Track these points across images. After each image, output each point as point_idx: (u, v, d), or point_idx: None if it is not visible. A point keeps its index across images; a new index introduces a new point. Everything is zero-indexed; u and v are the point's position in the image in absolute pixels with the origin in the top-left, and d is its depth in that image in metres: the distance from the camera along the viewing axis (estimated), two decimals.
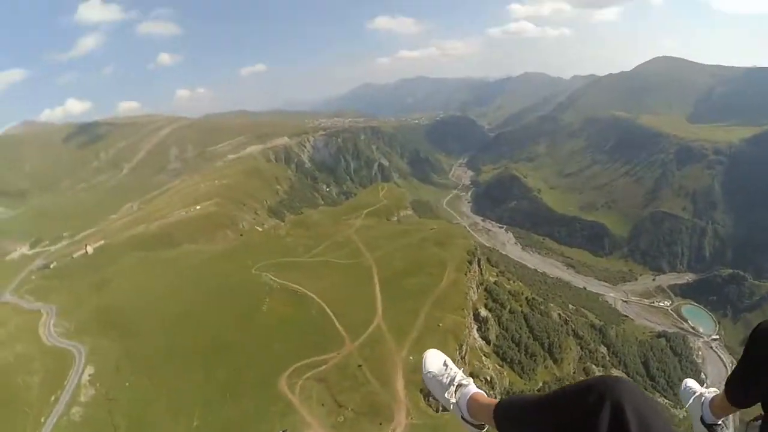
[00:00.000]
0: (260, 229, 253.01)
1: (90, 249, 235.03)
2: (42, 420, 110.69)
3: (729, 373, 4.96)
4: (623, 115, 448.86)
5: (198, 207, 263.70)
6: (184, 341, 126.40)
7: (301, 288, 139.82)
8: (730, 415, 5.74)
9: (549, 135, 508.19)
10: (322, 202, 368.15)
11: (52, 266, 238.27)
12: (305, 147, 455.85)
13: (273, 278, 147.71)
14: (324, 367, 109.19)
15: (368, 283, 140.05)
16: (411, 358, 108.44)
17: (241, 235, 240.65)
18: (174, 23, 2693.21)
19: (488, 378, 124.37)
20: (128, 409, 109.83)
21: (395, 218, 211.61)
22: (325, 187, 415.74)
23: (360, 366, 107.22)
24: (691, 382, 6.48)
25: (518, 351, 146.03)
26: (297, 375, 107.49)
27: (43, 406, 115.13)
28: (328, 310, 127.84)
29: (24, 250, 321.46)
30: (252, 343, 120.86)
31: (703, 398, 5.85)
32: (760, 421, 4.34)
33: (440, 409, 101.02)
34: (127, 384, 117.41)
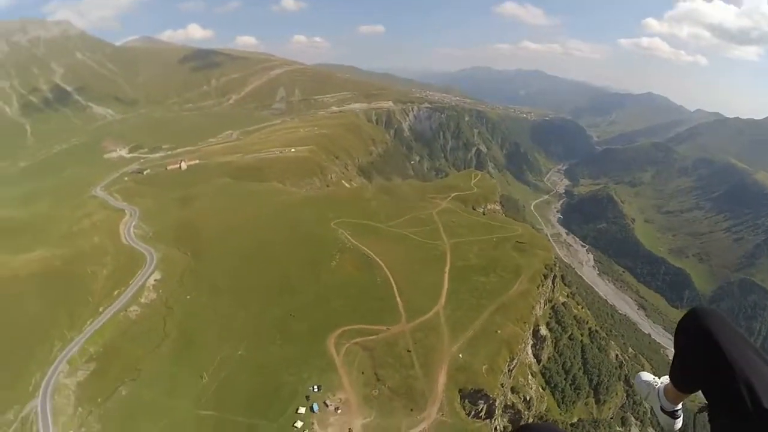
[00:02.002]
0: (347, 185, 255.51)
1: (184, 165, 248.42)
2: (100, 310, 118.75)
3: None
4: (741, 166, 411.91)
5: (293, 150, 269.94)
6: (249, 273, 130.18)
7: (372, 254, 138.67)
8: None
9: (658, 165, 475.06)
10: (412, 174, 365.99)
11: (145, 173, 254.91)
12: (408, 115, 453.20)
13: (348, 237, 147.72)
14: (374, 337, 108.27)
15: (438, 268, 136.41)
16: (460, 356, 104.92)
17: (328, 186, 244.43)
18: None
19: (527, 397, 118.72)
20: (181, 321, 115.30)
21: (482, 209, 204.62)
22: (417, 158, 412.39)
23: (409, 351, 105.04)
24: (645, 375, 6.43)
25: (565, 379, 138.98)
26: (346, 337, 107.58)
27: (104, 298, 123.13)
28: (393, 283, 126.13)
29: (123, 152, 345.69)
30: (312, 294, 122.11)
31: (657, 388, 5.99)
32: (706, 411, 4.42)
33: (473, 414, 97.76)
34: (187, 297, 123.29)
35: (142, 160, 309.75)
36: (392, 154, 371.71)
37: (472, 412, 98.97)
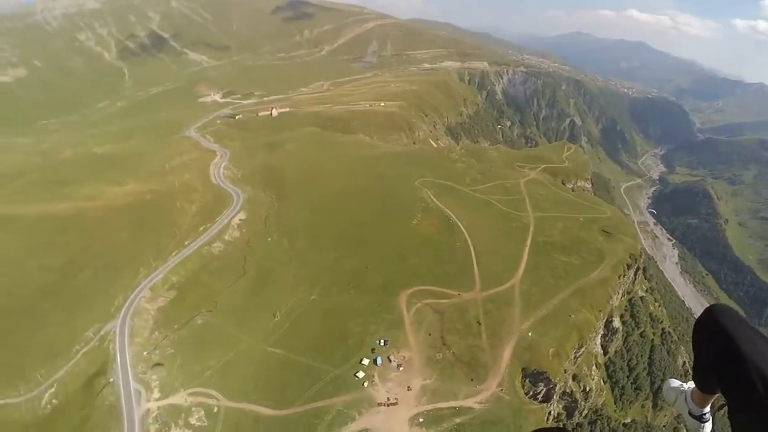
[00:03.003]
0: (434, 144, 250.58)
1: (275, 112, 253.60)
2: (186, 243, 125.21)
3: None
4: None
5: (382, 104, 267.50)
6: (329, 221, 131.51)
7: (454, 217, 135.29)
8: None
9: (762, 164, 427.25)
10: (501, 139, 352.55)
11: (237, 117, 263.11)
12: (502, 78, 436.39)
13: (432, 197, 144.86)
14: (445, 301, 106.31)
15: (520, 241, 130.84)
16: (530, 334, 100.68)
17: (414, 143, 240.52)
18: None
19: (587, 388, 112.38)
20: (261, 261, 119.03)
21: (571, 185, 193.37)
22: (508, 123, 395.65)
23: (479, 323, 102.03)
24: (673, 381, 6.37)
25: (627, 376, 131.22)
26: (418, 297, 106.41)
27: (190, 232, 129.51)
28: (471, 250, 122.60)
29: (216, 97, 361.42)
30: (389, 249, 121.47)
31: (684, 393, 5.99)
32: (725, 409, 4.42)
33: (531, 395, 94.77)
34: (268, 239, 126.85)
35: (234, 105, 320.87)
36: (482, 116, 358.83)
37: (531, 393, 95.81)
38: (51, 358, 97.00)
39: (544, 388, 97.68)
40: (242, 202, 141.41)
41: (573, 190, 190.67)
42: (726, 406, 4.19)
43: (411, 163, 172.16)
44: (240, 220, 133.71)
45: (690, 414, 5.81)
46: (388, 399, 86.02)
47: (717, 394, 5.08)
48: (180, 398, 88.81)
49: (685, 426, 6.15)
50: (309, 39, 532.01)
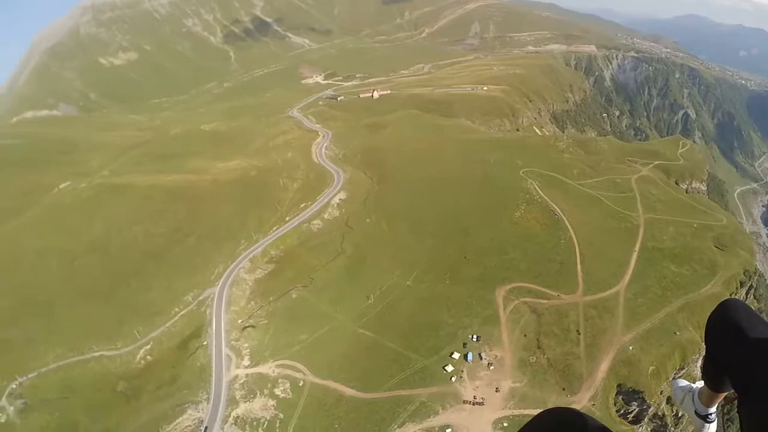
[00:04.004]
0: (538, 132, 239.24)
1: (376, 94, 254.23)
2: (286, 219, 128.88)
3: None
4: None
5: (485, 88, 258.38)
6: (428, 206, 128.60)
7: (559, 212, 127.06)
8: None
9: None
10: (609, 129, 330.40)
11: (339, 99, 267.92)
12: (610, 63, 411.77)
13: (537, 188, 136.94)
14: (545, 301, 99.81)
15: (628, 243, 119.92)
16: (630, 348, 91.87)
17: (518, 130, 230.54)
18: None
19: (680, 413, 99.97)
20: (358, 242, 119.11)
21: (685, 186, 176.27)
22: (617, 113, 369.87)
23: (578, 332, 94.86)
24: (681, 381, 6.36)
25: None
26: (516, 294, 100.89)
27: (291, 208, 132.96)
28: (576, 249, 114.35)
29: (319, 79, 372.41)
30: (489, 240, 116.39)
31: (692, 392, 5.97)
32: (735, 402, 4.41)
33: (622, 413, 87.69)
34: (367, 221, 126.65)
35: (336, 87, 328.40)
36: (589, 104, 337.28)
37: (622, 411, 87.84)
38: (150, 317, 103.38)
39: (637, 408, 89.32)
40: (343, 182, 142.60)
41: (687, 191, 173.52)
42: (736, 401, 4.11)
43: (515, 150, 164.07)
44: (340, 199, 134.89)
45: (696, 413, 5.72)
46: (475, 398, 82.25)
47: (725, 393, 5.03)
48: (268, 368, 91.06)
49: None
50: (409, 21, 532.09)
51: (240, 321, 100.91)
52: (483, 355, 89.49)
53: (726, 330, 4.20)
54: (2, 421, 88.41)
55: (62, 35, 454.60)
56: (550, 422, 4.15)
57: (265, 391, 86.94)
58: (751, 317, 4.15)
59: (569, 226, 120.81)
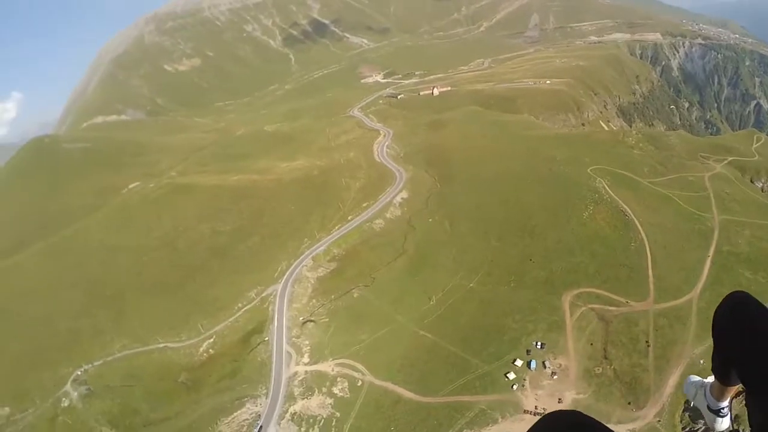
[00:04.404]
0: (605, 126, 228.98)
1: (436, 91, 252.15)
2: (349, 218, 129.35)
3: None
4: None
5: (548, 82, 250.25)
6: (491, 205, 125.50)
7: (630, 212, 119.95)
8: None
9: None
10: (679, 122, 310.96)
11: (399, 97, 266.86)
12: (677, 52, 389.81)
13: (606, 188, 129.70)
14: (613, 308, 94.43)
15: (702, 247, 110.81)
16: (702, 362, 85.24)
17: (583, 125, 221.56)
18: None
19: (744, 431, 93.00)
20: (420, 242, 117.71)
21: (760, 184, 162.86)
22: (686, 104, 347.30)
23: (648, 344, 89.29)
24: (693, 377, 6.32)
25: None
26: (583, 299, 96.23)
27: (353, 207, 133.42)
28: (648, 252, 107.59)
29: (378, 78, 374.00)
30: (555, 241, 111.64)
31: (704, 387, 5.96)
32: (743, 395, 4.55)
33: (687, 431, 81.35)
34: (429, 220, 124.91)
35: (395, 85, 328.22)
36: (657, 96, 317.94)
37: (688, 429, 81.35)
38: (214, 312, 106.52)
39: (703, 427, 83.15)
40: (404, 181, 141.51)
41: (763, 190, 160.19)
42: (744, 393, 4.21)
43: (582, 147, 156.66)
44: (402, 198, 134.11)
45: (708, 408, 5.72)
46: (536, 408, 78.91)
47: (735, 387, 5.09)
48: (327, 366, 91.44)
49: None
50: (466, 16, 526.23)
51: (302, 318, 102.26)
52: (547, 363, 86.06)
53: (733, 323, 4.20)
54: (65, 405, 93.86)
55: (127, 45, 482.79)
56: (559, 425, 4.07)
57: (323, 389, 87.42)
58: (758, 310, 4.11)
59: (640, 228, 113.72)
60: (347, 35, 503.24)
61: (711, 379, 5.77)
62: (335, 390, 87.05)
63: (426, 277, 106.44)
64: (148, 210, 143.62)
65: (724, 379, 5.07)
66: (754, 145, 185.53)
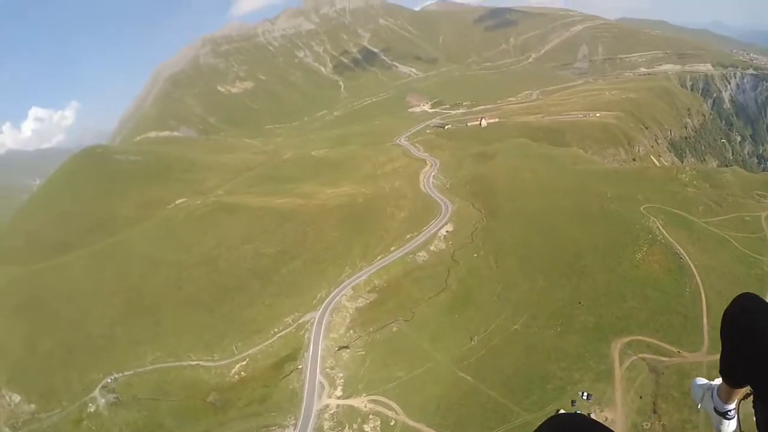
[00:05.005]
0: (656, 162, 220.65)
1: (484, 122, 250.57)
2: (391, 248, 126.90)
3: None
4: None
5: (598, 114, 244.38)
6: (539, 242, 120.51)
7: (685, 255, 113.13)
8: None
9: None
10: (731, 157, 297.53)
11: (446, 127, 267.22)
12: (729, 83, 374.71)
13: (659, 227, 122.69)
14: (665, 359, 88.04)
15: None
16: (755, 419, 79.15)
17: (634, 159, 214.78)
18: None
19: None
20: (464, 278, 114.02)
21: None
22: (738, 138, 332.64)
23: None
24: (700, 380, 6.14)
25: None
26: (634, 348, 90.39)
27: (397, 238, 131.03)
28: (703, 298, 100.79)
29: (426, 107, 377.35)
30: (605, 283, 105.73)
31: (711, 389, 5.81)
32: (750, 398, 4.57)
33: None
34: (474, 255, 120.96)
35: (443, 116, 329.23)
36: (709, 129, 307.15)
37: None
38: (250, 334, 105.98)
39: None
40: (450, 213, 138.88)
41: None
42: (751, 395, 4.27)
43: (633, 183, 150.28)
44: (447, 231, 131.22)
45: (716, 410, 5.61)
46: None
47: (743, 389, 5.03)
48: (360, 402, 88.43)
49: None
50: (515, 46, 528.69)
51: (337, 349, 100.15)
52: (593, 415, 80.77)
53: (742, 325, 4.13)
54: (91, 410, 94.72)
55: (183, 64, 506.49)
56: (562, 429, 4.13)
57: (354, 425, 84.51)
58: (761, 302, 4.14)
59: (695, 272, 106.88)
60: (396, 64, 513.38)
61: (718, 381, 5.59)
62: (366, 428, 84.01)
63: (468, 316, 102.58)
64: (193, 226, 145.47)
65: (731, 382, 4.96)
66: None
